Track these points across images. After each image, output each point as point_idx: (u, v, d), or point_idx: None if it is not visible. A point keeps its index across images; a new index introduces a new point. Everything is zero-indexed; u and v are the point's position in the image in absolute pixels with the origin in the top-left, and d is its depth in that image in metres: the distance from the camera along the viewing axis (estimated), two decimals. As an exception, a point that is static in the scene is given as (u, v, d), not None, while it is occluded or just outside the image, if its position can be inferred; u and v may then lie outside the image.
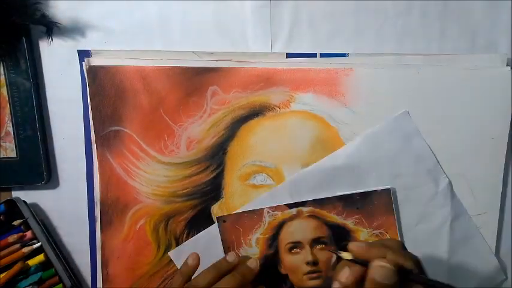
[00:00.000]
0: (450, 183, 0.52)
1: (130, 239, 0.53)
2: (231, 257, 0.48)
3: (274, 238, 0.52)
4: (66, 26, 0.50)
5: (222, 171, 0.52)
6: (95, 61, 0.50)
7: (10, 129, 0.51)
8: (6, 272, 0.50)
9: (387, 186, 0.51)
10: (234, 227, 0.52)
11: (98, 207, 0.52)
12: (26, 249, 0.51)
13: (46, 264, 0.52)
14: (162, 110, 0.51)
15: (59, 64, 0.51)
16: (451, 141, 0.51)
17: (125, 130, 0.51)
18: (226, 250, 0.52)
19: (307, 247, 0.52)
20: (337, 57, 0.51)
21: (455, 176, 0.52)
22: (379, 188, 0.51)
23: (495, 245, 0.53)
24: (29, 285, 0.51)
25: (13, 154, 0.51)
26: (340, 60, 0.51)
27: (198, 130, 0.51)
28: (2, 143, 0.51)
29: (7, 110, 0.51)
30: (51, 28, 0.49)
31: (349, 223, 0.51)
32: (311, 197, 0.51)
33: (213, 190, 0.52)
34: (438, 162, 0.51)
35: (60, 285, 0.52)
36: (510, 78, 0.50)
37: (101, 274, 0.53)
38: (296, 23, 0.51)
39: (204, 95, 0.50)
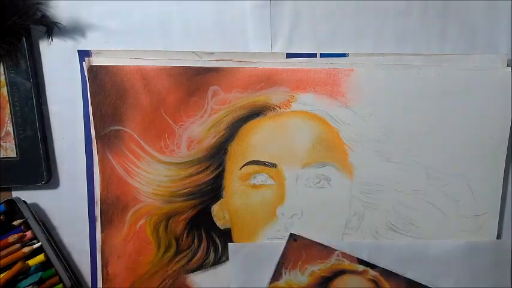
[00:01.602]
0: None
1: (130, 238, 0.53)
2: None
3: (328, 280, 0.52)
4: (67, 26, 0.50)
5: (223, 171, 0.52)
6: (96, 61, 0.50)
7: (10, 129, 0.51)
8: (6, 272, 0.50)
9: None
10: (300, 251, 0.52)
11: (98, 207, 0.52)
12: (26, 249, 0.51)
13: (46, 264, 0.52)
14: (162, 110, 0.51)
15: (59, 64, 0.51)
16: (451, 142, 0.51)
17: (126, 130, 0.51)
18: (280, 266, 0.52)
19: None
20: (338, 57, 0.51)
21: (455, 177, 0.52)
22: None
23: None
24: (29, 285, 0.51)
25: (13, 154, 0.51)
26: (340, 60, 0.51)
27: (199, 130, 0.51)
28: (2, 143, 0.51)
29: (7, 110, 0.51)
30: (51, 28, 0.49)
31: None
32: (386, 266, 0.52)
33: (213, 190, 0.52)
34: None
35: (60, 285, 0.52)
36: (510, 79, 0.50)
37: (101, 274, 0.53)
38: (296, 23, 0.51)
39: (204, 94, 0.51)
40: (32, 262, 0.51)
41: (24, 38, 0.49)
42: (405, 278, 0.52)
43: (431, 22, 0.51)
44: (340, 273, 0.52)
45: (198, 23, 0.51)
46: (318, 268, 0.52)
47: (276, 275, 0.52)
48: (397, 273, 0.52)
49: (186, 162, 0.52)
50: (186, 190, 0.52)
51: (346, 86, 0.51)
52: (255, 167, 0.52)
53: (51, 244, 0.52)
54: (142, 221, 0.53)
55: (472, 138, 0.51)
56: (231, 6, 0.51)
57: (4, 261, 0.50)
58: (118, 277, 0.53)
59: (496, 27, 0.51)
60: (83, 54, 0.51)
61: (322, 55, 0.51)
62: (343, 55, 0.51)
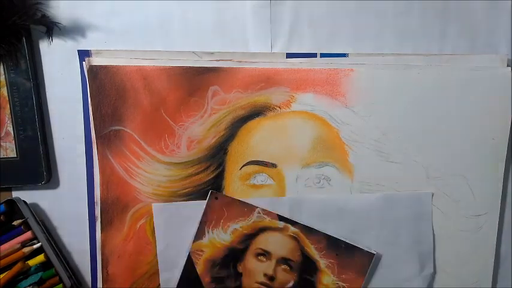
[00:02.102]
0: (434, 274, 0.53)
1: (130, 238, 0.53)
2: None
3: (250, 237, 0.52)
4: (67, 26, 0.50)
5: (223, 171, 0.52)
6: (96, 61, 0.50)
7: (10, 129, 0.51)
8: (6, 272, 0.50)
9: (373, 251, 0.52)
10: (221, 208, 0.52)
11: (98, 207, 0.52)
12: (26, 250, 0.51)
13: (46, 265, 0.52)
14: (162, 110, 0.51)
15: (59, 64, 0.51)
16: (451, 142, 0.51)
17: (126, 130, 0.51)
18: (203, 224, 0.52)
19: (274, 261, 0.52)
20: (338, 58, 0.51)
21: (455, 176, 0.52)
22: (366, 248, 0.52)
23: (495, 245, 0.53)
24: (29, 286, 0.51)
25: (13, 154, 0.51)
26: (340, 60, 0.51)
27: (199, 130, 0.51)
28: (2, 143, 0.51)
29: (7, 110, 0.51)
30: (51, 28, 0.49)
31: (322, 262, 0.52)
32: (306, 222, 0.52)
33: (213, 190, 0.52)
34: (434, 250, 0.53)
35: (61, 285, 0.52)
36: (510, 79, 0.50)
37: (101, 273, 0.53)
38: (296, 23, 0.51)
39: (204, 94, 0.51)
40: (32, 262, 0.51)
41: (24, 38, 0.49)
42: (325, 234, 0.52)
43: (431, 22, 0.51)
44: (261, 230, 0.52)
45: (198, 23, 0.51)
46: (240, 226, 0.52)
47: (199, 234, 0.52)
48: (317, 229, 0.52)
49: (186, 162, 0.52)
50: (186, 190, 0.52)
51: (346, 86, 0.51)
52: (255, 167, 0.52)
53: (51, 244, 0.52)
54: (142, 221, 0.53)
55: (472, 138, 0.51)
56: (231, 6, 0.51)
57: (4, 261, 0.50)
58: (118, 277, 0.53)
59: (496, 27, 0.51)
60: (83, 54, 0.51)
61: (322, 55, 0.51)
62: (343, 55, 0.51)
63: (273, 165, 0.51)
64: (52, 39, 0.50)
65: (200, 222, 0.52)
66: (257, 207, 0.51)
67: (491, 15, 0.51)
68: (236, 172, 0.52)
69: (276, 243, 0.52)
